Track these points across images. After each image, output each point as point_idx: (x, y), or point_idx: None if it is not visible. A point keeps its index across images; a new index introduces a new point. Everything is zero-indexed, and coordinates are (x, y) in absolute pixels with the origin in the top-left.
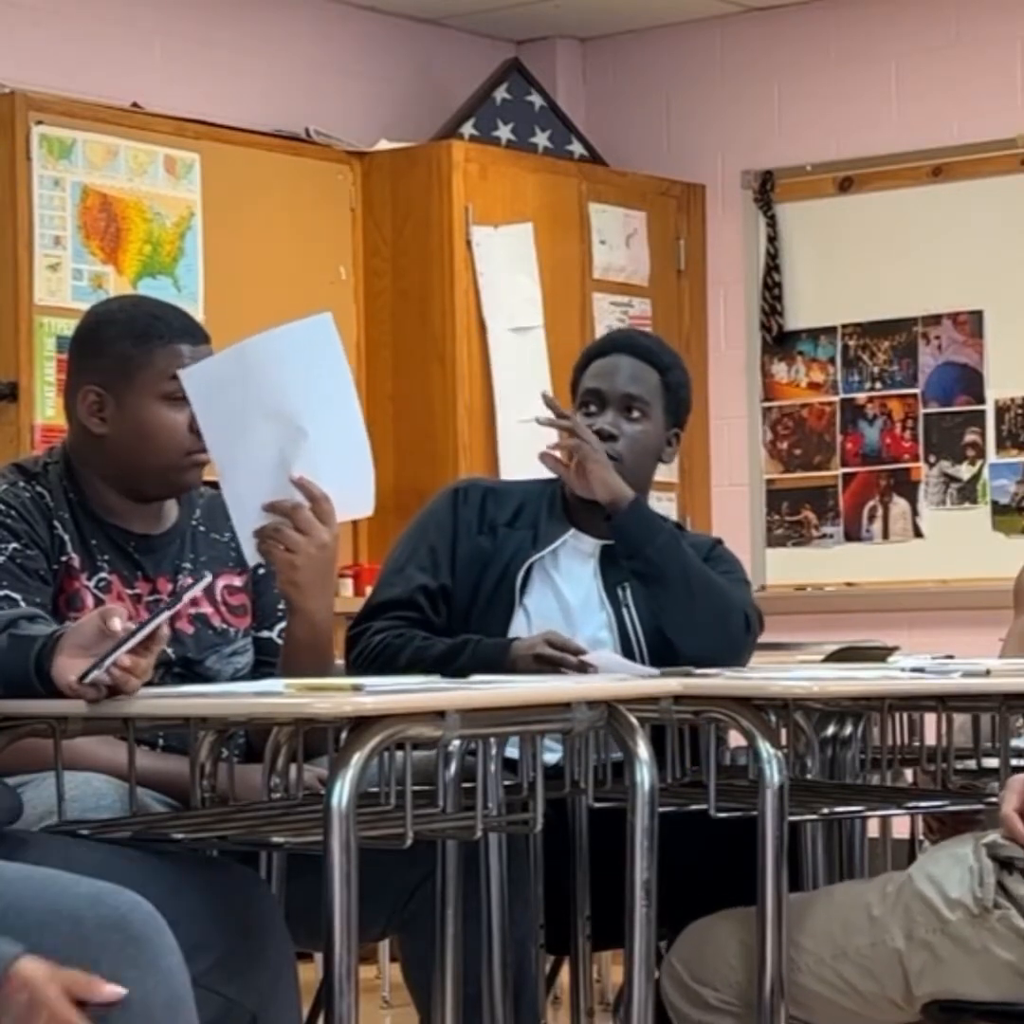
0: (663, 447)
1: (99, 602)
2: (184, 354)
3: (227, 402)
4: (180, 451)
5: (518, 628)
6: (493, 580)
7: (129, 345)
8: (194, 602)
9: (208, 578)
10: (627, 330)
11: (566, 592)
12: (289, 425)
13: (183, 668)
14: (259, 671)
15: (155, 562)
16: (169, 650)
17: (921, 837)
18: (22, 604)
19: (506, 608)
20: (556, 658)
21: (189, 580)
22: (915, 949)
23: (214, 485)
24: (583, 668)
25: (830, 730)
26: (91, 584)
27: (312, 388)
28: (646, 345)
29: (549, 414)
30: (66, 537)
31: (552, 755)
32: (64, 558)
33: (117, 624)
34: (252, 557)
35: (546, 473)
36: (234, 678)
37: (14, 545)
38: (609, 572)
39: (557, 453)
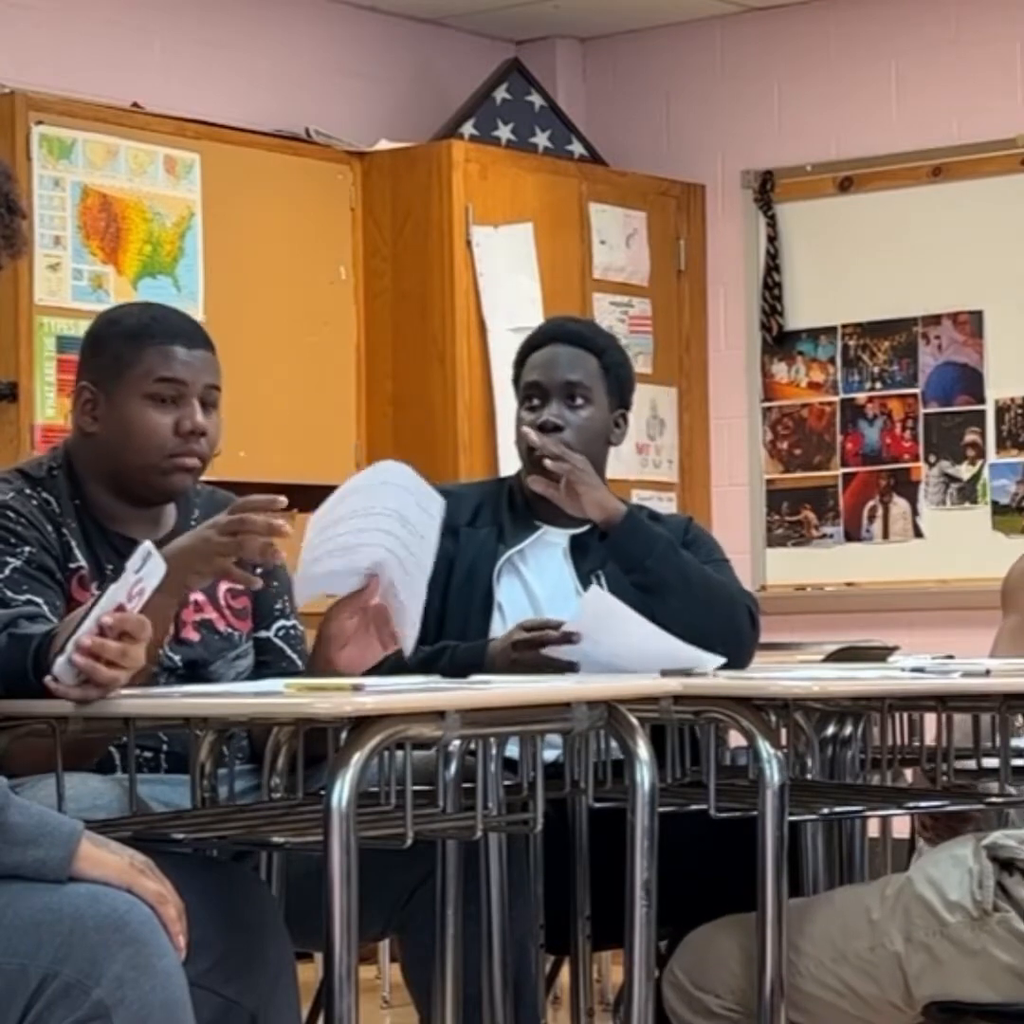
0: (611, 429)
1: None
2: (176, 356)
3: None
4: (161, 452)
5: (493, 625)
6: (460, 581)
7: (122, 344)
8: (198, 607)
9: (147, 544)
10: (559, 319)
11: (535, 585)
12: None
13: (187, 671)
14: (257, 671)
15: None
16: (176, 657)
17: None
18: (44, 608)
19: (480, 607)
20: (536, 639)
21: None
22: (915, 952)
23: (211, 483)
24: (567, 637)
25: (830, 730)
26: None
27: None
28: (579, 331)
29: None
30: (73, 543)
31: (552, 752)
32: (73, 565)
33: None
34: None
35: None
36: (236, 680)
37: (30, 549)
38: (581, 561)
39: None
